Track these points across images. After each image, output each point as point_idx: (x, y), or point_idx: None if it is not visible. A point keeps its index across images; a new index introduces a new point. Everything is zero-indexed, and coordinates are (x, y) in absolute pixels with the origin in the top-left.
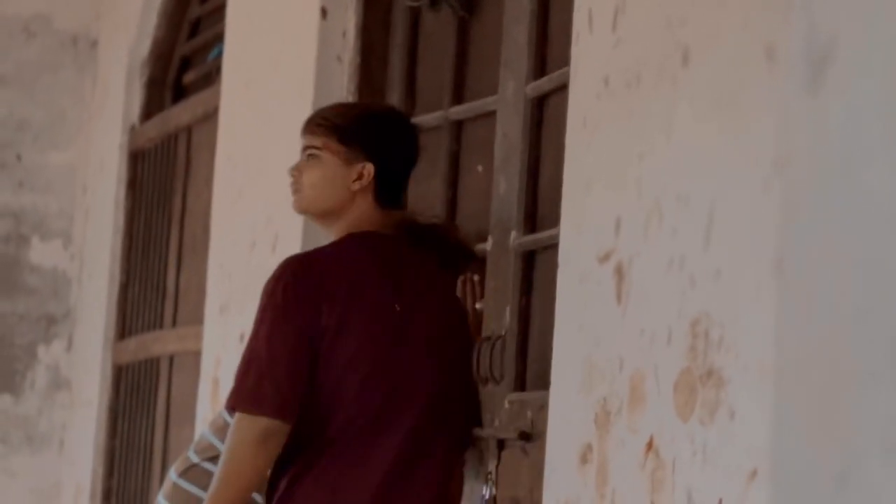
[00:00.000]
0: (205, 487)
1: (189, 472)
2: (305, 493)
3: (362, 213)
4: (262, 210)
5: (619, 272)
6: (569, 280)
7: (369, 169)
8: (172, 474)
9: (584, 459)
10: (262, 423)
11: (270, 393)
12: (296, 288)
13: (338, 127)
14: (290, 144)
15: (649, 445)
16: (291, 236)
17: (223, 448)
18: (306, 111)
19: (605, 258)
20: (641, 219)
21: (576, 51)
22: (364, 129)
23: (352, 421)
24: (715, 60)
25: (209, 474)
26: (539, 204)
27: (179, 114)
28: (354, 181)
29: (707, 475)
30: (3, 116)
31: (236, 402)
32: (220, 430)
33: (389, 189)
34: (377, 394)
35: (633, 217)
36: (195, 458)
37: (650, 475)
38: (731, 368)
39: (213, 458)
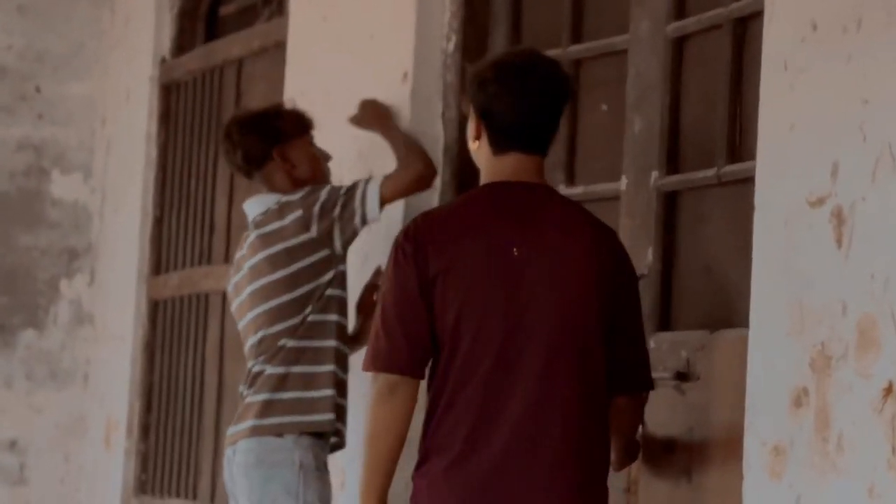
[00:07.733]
0: None
1: None
2: (440, 440)
3: (486, 164)
4: (351, 144)
5: (839, 217)
6: (769, 223)
7: (478, 123)
8: None
9: (797, 403)
10: (381, 378)
11: (385, 349)
12: (405, 246)
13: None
14: (391, 83)
15: (888, 390)
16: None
17: None
18: (408, 49)
19: (817, 203)
20: (868, 164)
21: None
22: (469, 85)
23: (477, 363)
24: None
25: None
26: (681, 144)
27: (227, 47)
28: (473, 140)
29: None
30: (21, 48)
31: (364, 364)
32: None
33: (501, 135)
34: (496, 334)
35: (855, 162)
36: None
37: (890, 421)
38: None
39: None
